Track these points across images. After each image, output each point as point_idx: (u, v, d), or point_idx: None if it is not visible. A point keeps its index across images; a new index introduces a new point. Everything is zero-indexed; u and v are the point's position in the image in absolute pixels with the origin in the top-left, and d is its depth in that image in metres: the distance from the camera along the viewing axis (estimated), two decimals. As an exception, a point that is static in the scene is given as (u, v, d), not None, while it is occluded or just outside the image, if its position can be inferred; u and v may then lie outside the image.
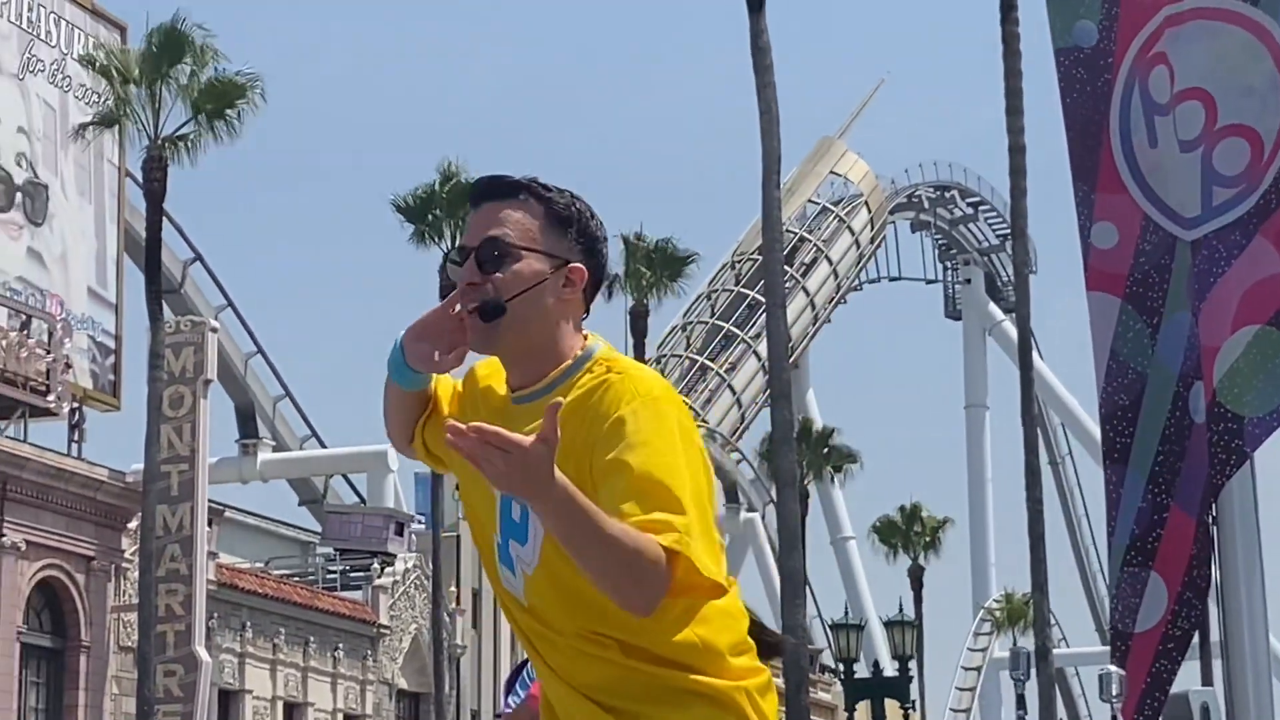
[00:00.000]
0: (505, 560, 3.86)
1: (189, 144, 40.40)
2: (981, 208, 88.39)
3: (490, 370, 4.02)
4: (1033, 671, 37.81)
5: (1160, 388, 5.75)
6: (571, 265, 3.84)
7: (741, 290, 73.22)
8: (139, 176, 43.37)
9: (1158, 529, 5.75)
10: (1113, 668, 26.81)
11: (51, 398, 41.96)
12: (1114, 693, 29.53)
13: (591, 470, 3.69)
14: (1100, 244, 5.95)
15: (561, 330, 3.84)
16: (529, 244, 3.81)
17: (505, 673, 45.63)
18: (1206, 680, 32.02)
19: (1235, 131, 5.62)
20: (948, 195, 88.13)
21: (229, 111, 40.33)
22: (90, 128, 42.08)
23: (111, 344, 47.17)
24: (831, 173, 79.86)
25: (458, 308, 3.80)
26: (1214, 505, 5.53)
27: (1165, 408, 5.72)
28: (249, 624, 46.19)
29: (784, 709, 32.08)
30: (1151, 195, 5.84)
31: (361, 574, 52.50)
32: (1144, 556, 5.73)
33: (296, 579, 52.25)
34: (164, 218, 41.30)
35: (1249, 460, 5.47)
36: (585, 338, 3.88)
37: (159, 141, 40.12)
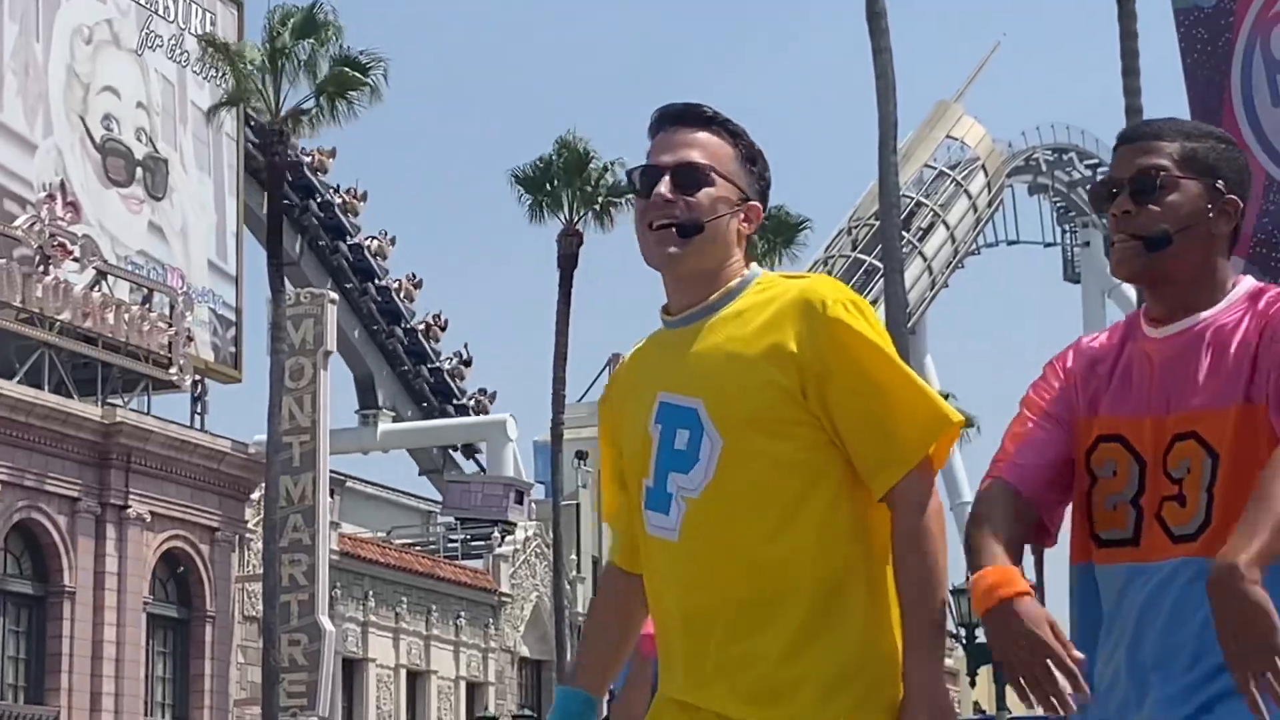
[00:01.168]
0: (656, 503, 3.86)
1: (312, 121, 40.69)
2: (1100, 169, 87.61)
3: (620, 382, 4.09)
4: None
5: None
6: (752, 203, 3.91)
7: (859, 256, 72.91)
8: (258, 153, 43.69)
9: None
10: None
11: (174, 370, 42.45)
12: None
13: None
14: (1222, 204, 5.94)
15: (734, 257, 3.90)
16: (727, 174, 3.88)
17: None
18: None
19: (1358, 89, 5.59)
20: (1065, 158, 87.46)
21: (351, 93, 40.56)
22: (220, 109, 42.46)
23: (232, 316, 47.63)
24: (948, 137, 79.36)
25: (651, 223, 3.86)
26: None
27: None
28: (371, 593, 46.58)
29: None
30: (1274, 154, 5.82)
31: (482, 543, 52.85)
32: None
33: (418, 548, 52.62)
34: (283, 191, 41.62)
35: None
36: (748, 266, 3.96)
37: (280, 116, 40.43)
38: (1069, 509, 3.83)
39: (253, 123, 46.99)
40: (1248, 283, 3.78)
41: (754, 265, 3.95)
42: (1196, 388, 3.66)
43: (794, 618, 3.71)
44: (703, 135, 3.92)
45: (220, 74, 42.22)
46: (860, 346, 3.72)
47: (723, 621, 3.74)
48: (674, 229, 3.85)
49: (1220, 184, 3.74)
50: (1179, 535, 3.62)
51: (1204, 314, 3.72)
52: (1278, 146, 5.88)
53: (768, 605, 3.72)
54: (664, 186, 3.86)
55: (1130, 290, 62.08)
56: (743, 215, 3.90)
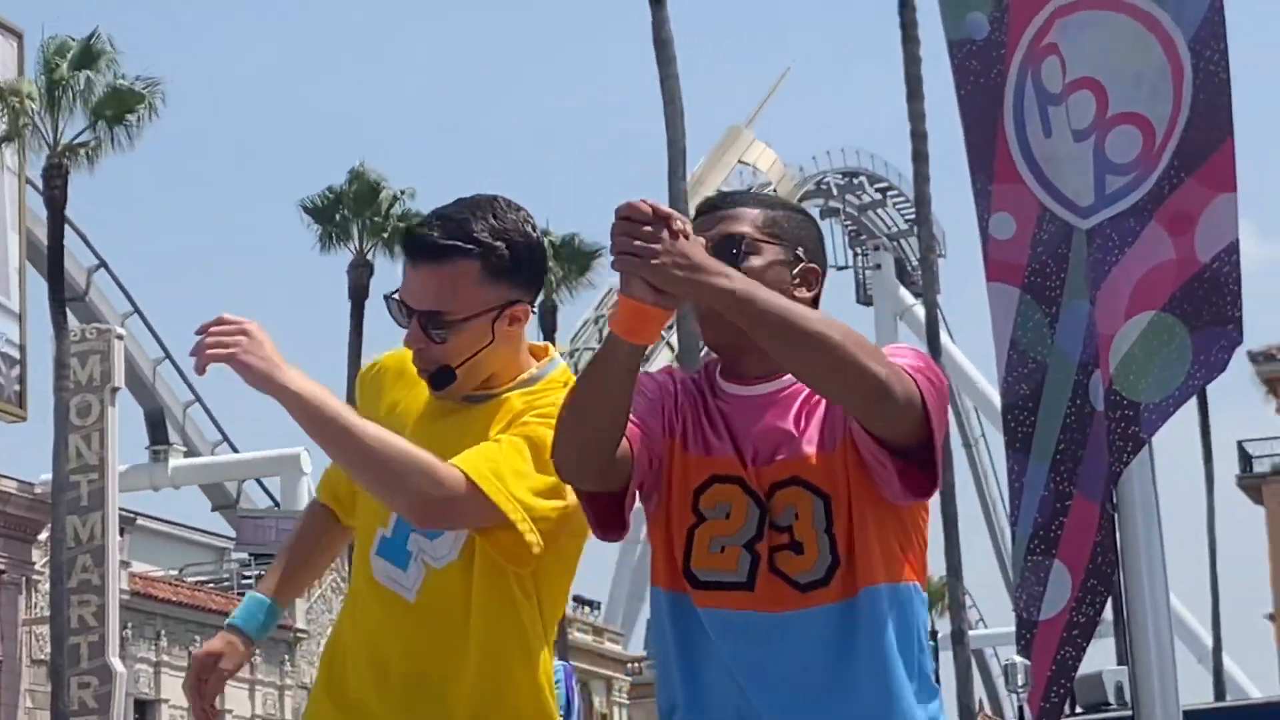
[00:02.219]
0: (392, 555, 3.89)
1: (89, 151, 40.13)
2: (890, 193, 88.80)
3: (391, 379, 4.04)
4: (946, 657, 37.95)
5: (1060, 377, 5.80)
6: (515, 307, 3.86)
7: (651, 282, 73.20)
8: (39, 184, 43.00)
9: (1060, 517, 5.80)
10: (1018, 658, 26.98)
11: (-43, 410, 41.58)
12: (1020, 683, 29.65)
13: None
14: (998, 235, 5.99)
15: (508, 357, 3.89)
16: (469, 311, 3.81)
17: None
18: (1122, 659, 32.27)
19: (1127, 120, 5.66)
20: (856, 182, 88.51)
21: (129, 118, 40.08)
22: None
23: (15, 354, 46.74)
24: (740, 162, 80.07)
25: None
26: (1114, 492, 5.57)
27: (1066, 396, 5.76)
28: (164, 633, 45.93)
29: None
30: (1047, 185, 5.88)
31: (277, 578, 52.33)
32: (1047, 545, 5.77)
33: (211, 585, 52.00)
34: (66, 225, 40.99)
35: (1147, 446, 5.51)
36: (545, 351, 3.98)
37: (59, 150, 39.84)
38: (644, 527, 3.76)
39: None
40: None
41: (550, 356, 3.95)
42: (787, 437, 3.65)
43: (481, 689, 3.84)
44: (444, 270, 3.81)
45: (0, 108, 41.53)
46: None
47: (429, 685, 3.83)
48: (430, 378, 3.85)
49: (800, 251, 3.75)
50: (807, 584, 3.60)
51: (785, 378, 3.70)
52: (1050, 177, 5.95)
53: (478, 678, 3.83)
54: (414, 333, 3.84)
55: (920, 313, 62.87)
56: (507, 322, 3.85)
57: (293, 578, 4.24)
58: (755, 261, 3.68)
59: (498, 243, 3.82)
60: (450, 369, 3.81)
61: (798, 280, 3.73)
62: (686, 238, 3.33)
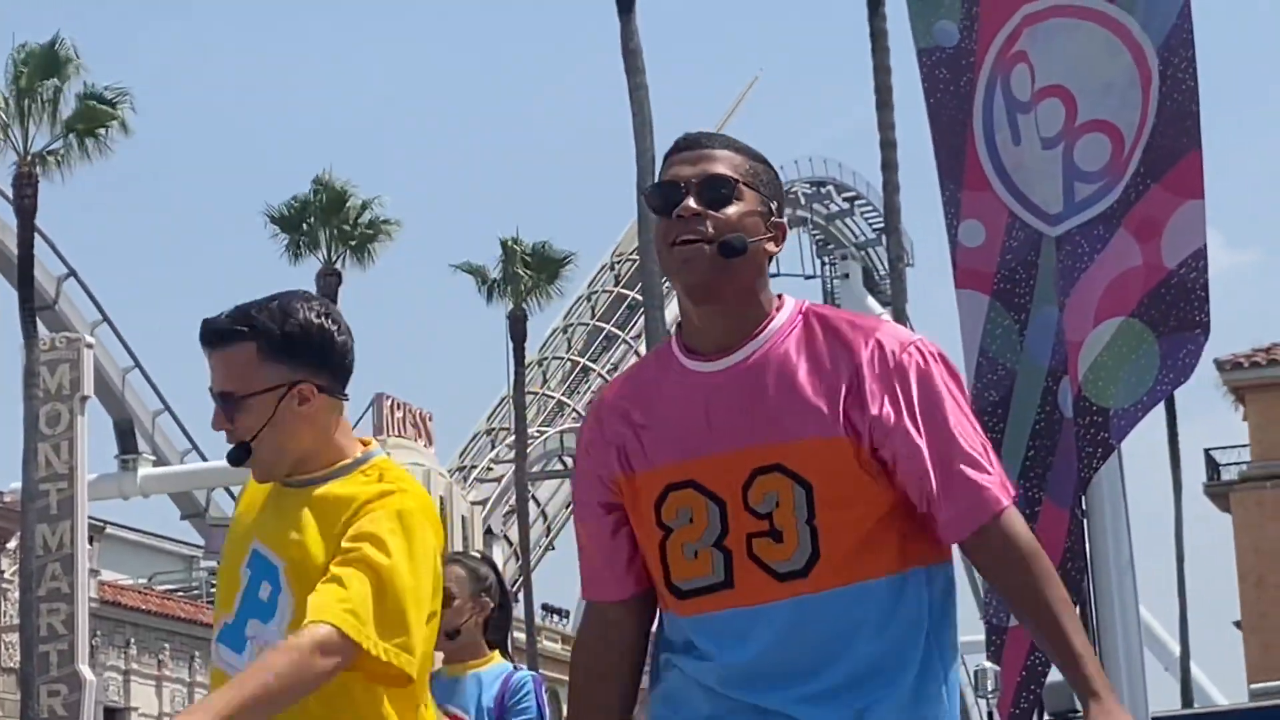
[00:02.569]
0: (231, 640, 4.07)
1: (59, 160, 40.03)
2: (857, 202, 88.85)
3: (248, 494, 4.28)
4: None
5: (1029, 383, 5.81)
6: (300, 386, 4.03)
7: (621, 291, 73.21)
8: (9, 193, 42.87)
9: (1030, 523, 5.81)
10: (988, 664, 26.97)
11: (-75, 419, 41.48)
12: (989, 688, 29.64)
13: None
14: (967, 242, 6.00)
15: (313, 440, 4.06)
16: (249, 389, 4.02)
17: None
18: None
19: (1096, 127, 5.68)
20: (823, 191, 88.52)
21: (99, 130, 39.98)
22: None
23: (-15, 362, 46.61)
24: (707, 171, 79.98)
25: None
26: (1083, 498, 5.58)
27: (1035, 403, 5.77)
28: (133, 641, 45.80)
29: None
30: (1016, 192, 5.89)
31: (246, 586, 52.19)
32: (1017, 551, 5.78)
33: (181, 594, 51.85)
34: (35, 234, 40.86)
35: (1116, 452, 5.53)
36: (365, 444, 4.14)
37: (28, 158, 39.72)
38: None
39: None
40: (792, 305, 3.71)
41: (371, 450, 4.12)
42: (771, 418, 3.55)
43: None
44: (228, 354, 4.14)
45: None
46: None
47: None
48: (229, 455, 4.16)
49: (774, 205, 3.69)
50: (784, 573, 3.52)
51: (756, 342, 3.61)
52: (1019, 185, 5.95)
53: None
54: (215, 413, 4.14)
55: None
56: (297, 401, 4.05)
57: None
58: (736, 207, 3.61)
59: (272, 325, 4.05)
60: (244, 445, 4.03)
61: (770, 233, 3.67)
62: None
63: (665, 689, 3.66)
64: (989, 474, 3.58)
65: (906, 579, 3.59)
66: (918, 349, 3.60)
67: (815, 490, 3.51)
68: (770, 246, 3.65)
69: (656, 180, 3.69)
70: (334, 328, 4.10)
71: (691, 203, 3.59)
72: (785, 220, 3.71)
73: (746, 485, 3.54)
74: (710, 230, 3.58)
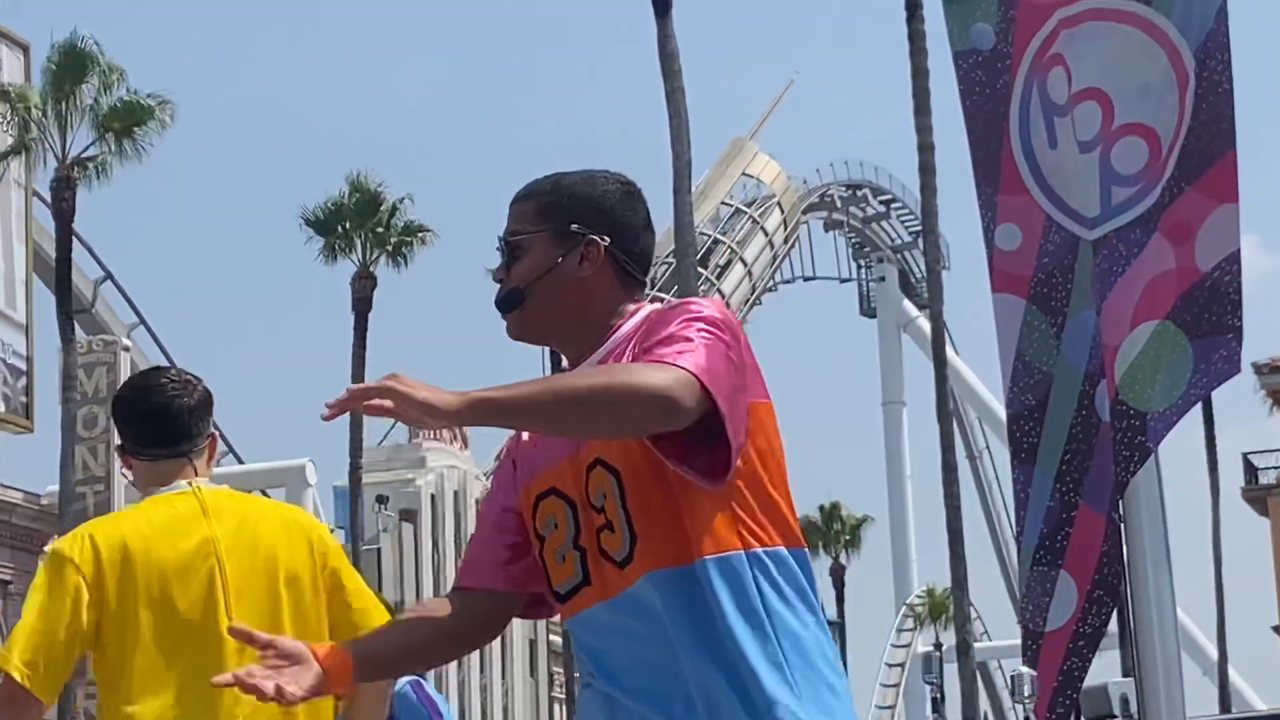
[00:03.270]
0: None
1: (97, 165, 40.14)
2: (894, 205, 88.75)
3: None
4: (946, 671, 37.86)
5: (1066, 387, 5.79)
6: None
7: (657, 295, 73.25)
8: (47, 197, 43.02)
9: (1066, 528, 5.79)
10: (1024, 668, 26.91)
11: (-37, 422, 41.63)
12: (1026, 693, 29.57)
13: None
14: (1004, 246, 5.99)
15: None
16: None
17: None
18: (1127, 671, 32.20)
19: (1133, 130, 5.66)
20: (859, 194, 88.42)
21: (137, 132, 40.08)
22: (6, 158, 41.78)
23: (23, 366, 46.80)
24: (744, 174, 79.97)
25: None
26: (1120, 502, 5.57)
27: (1071, 407, 5.76)
28: (170, 643, 45.91)
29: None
30: (1053, 196, 5.88)
31: (282, 589, 52.27)
32: (1053, 555, 5.77)
33: (217, 596, 51.91)
34: (73, 238, 41.01)
35: (1153, 456, 5.52)
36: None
37: (66, 163, 39.86)
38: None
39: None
40: (644, 311, 3.79)
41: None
42: None
43: None
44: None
45: (6, 120, 41.55)
46: None
47: None
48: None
49: (575, 226, 3.76)
50: (621, 560, 3.63)
51: (600, 351, 3.74)
52: (1055, 188, 5.94)
53: None
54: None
55: (926, 325, 62.85)
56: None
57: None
58: (522, 264, 3.76)
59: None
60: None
61: (578, 258, 3.76)
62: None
63: (579, 710, 3.78)
64: (680, 355, 3.57)
65: (747, 559, 3.62)
66: (689, 304, 3.70)
67: (622, 476, 3.62)
68: (584, 269, 3.76)
69: None
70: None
71: (499, 272, 3.81)
72: (600, 235, 3.76)
73: (586, 484, 3.68)
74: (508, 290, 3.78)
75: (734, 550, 3.60)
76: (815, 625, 3.65)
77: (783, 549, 3.65)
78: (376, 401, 3.37)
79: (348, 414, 3.46)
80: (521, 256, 3.75)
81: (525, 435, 3.81)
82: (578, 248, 3.74)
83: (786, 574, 3.65)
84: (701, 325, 3.61)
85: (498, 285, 3.79)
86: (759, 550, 3.62)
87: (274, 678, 3.54)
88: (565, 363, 3.82)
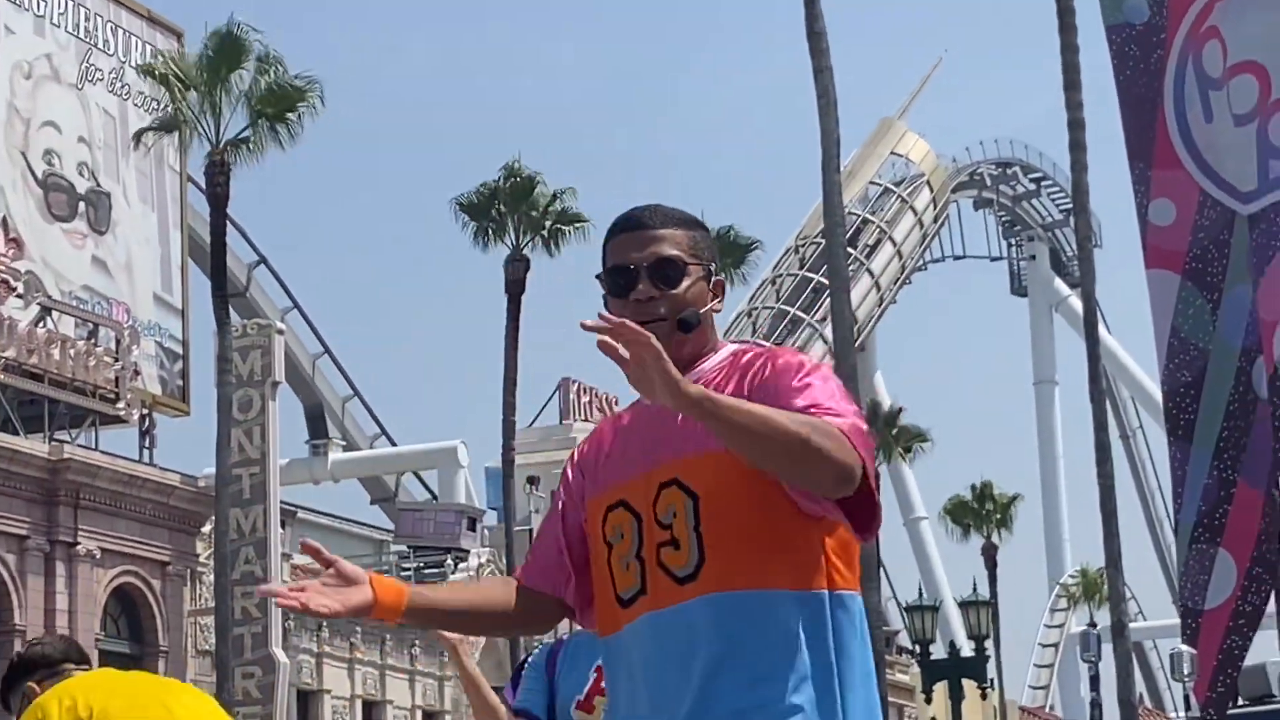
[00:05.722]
0: None
1: (250, 148, 40.53)
2: (1044, 183, 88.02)
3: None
4: (1105, 650, 37.47)
5: (1222, 363, 5.75)
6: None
7: (806, 274, 73.05)
8: (201, 182, 43.51)
9: (1225, 505, 5.75)
10: (1183, 646, 26.58)
11: (121, 405, 42.20)
12: (1185, 671, 29.21)
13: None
14: (1158, 221, 5.95)
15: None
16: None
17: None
18: (1286, 651, 31.74)
19: (1291, 103, 5.58)
20: (1009, 172, 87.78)
21: (289, 115, 40.43)
22: (149, 134, 42.26)
23: (179, 349, 47.40)
24: (892, 153, 79.59)
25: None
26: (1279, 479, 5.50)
27: (1228, 383, 5.72)
28: (325, 624, 46.34)
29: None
30: (1208, 170, 5.83)
31: (435, 570, 52.68)
32: (1211, 533, 5.72)
33: (371, 577, 52.30)
34: (228, 221, 41.46)
35: (1314, 433, 5.45)
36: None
37: (220, 146, 40.29)
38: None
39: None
40: (732, 347, 4.00)
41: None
42: (675, 438, 3.86)
43: None
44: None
45: (161, 105, 42.03)
46: None
47: None
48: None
49: (713, 267, 4.00)
50: (682, 577, 3.83)
51: (692, 374, 3.90)
52: (1211, 162, 5.89)
53: None
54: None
55: (1077, 303, 62.25)
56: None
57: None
58: (685, 283, 3.94)
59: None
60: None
61: (713, 295, 4.00)
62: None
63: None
64: (840, 417, 3.79)
65: (806, 598, 3.82)
66: (792, 356, 3.92)
67: (700, 500, 3.81)
68: (716, 305, 4.02)
69: (606, 264, 4.01)
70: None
71: (644, 287, 3.94)
72: (722, 277, 4.03)
73: (655, 500, 3.87)
74: (664, 310, 3.93)
75: (819, 589, 3.82)
76: (872, 666, 3.88)
77: (858, 594, 3.88)
78: (632, 348, 3.53)
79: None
80: (679, 280, 3.92)
81: (604, 448, 4.00)
82: (715, 286, 3.99)
83: (859, 617, 3.87)
84: (836, 385, 3.83)
85: (648, 299, 3.92)
86: (842, 592, 3.84)
87: (316, 597, 3.76)
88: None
